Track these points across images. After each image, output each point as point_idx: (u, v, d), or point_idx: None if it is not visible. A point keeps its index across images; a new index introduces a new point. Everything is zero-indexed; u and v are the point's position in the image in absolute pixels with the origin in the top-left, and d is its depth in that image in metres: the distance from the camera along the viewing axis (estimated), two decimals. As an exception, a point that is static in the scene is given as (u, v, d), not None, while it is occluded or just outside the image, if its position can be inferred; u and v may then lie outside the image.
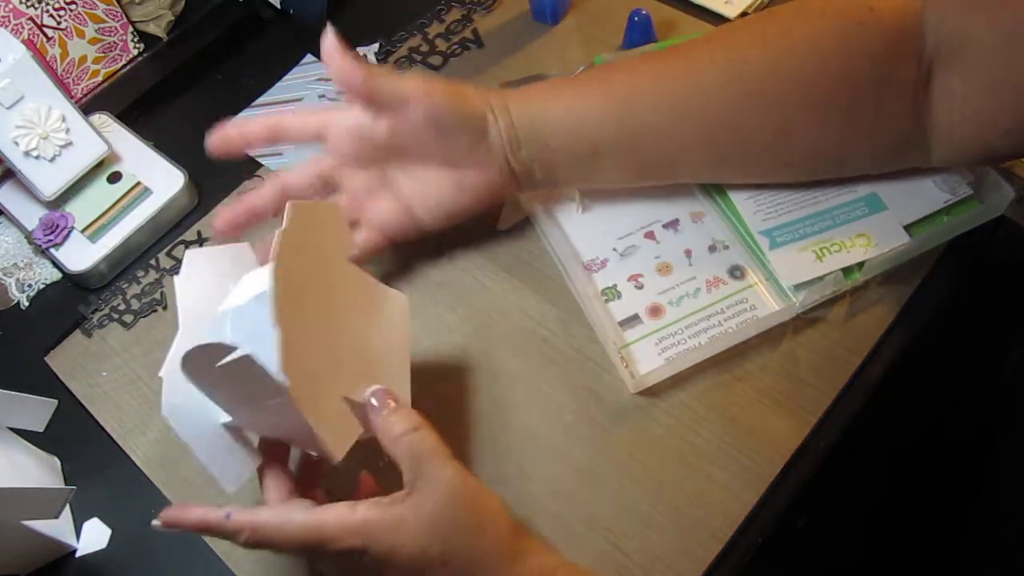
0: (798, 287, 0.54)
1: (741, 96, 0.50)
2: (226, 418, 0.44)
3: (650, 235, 0.59)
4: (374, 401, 0.44)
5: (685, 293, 0.56)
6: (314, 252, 0.44)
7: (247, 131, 0.54)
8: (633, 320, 0.55)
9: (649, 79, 0.51)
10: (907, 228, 0.55)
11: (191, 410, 0.43)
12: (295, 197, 0.52)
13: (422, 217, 0.56)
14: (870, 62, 0.48)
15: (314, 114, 0.54)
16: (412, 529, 0.40)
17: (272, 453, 0.46)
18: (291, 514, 0.41)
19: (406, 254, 0.62)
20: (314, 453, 0.47)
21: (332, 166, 0.55)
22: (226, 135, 0.54)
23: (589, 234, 0.59)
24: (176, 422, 0.43)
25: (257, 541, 0.41)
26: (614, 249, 0.58)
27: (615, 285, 0.57)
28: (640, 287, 0.56)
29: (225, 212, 0.55)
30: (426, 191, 0.55)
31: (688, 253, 0.57)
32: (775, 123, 0.50)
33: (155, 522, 0.42)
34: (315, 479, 0.48)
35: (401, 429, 0.42)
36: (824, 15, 0.49)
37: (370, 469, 0.49)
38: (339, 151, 0.54)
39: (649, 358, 0.54)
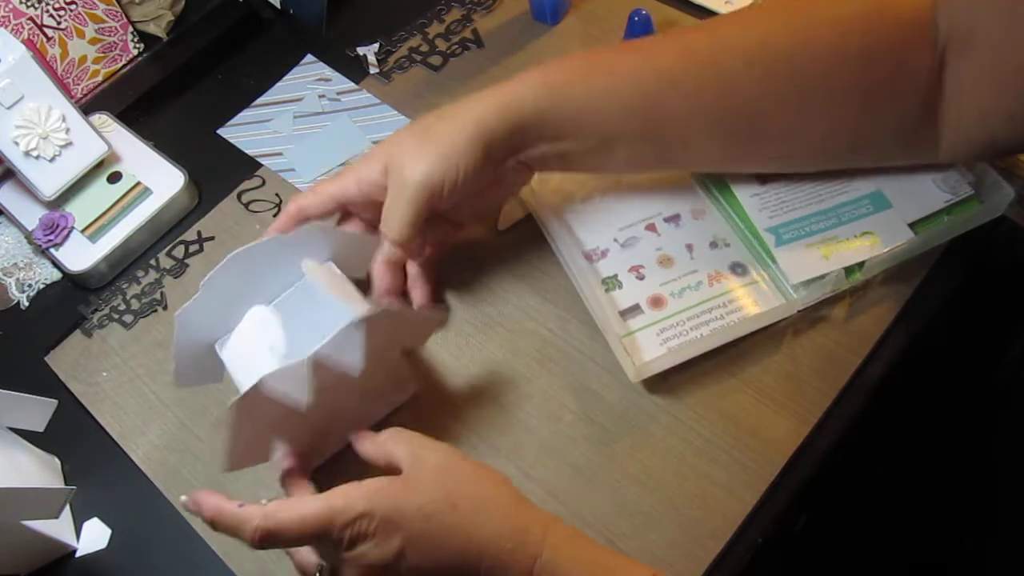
0: (804, 284, 0.54)
1: (761, 80, 0.49)
2: (220, 342, 0.50)
3: (651, 227, 0.59)
4: (353, 438, 0.48)
5: (687, 285, 0.56)
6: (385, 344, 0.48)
7: (277, 226, 0.54)
8: (634, 310, 0.55)
9: (672, 59, 0.50)
10: (910, 226, 0.55)
11: (198, 323, 0.49)
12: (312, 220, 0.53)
13: (443, 238, 0.58)
14: (888, 49, 0.48)
15: (330, 188, 0.54)
16: (415, 484, 0.42)
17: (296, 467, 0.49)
18: (301, 499, 0.42)
19: (406, 254, 0.62)
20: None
21: (349, 198, 0.54)
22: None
23: (590, 223, 0.59)
24: (179, 324, 0.48)
25: (268, 529, 0.41)
26: (615, 239, 0.58)
27: (616, 275, 0.57)
28: (641, 278, 0.56)
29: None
30: (443, 221, 0.57)
31: (689, 247, 0.57)
32: (793, 107, 0.50)
33: (183, 498, 0.44)
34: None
35: (384, 436, 0.46)
36: (845, 0, 0.49)
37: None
38: (362, 212, 0.55)
39: (651, 347, 0.53)
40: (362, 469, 0.46)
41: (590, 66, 0.51)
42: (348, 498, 0.41)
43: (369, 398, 0.52)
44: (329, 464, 0.53)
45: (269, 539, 0.41)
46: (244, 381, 0.48)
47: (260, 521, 0.41)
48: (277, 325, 0.49)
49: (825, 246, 0.55)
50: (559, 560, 0.42)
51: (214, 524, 0.43)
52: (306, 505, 0.41)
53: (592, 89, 0.50)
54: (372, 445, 0.46)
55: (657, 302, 0.55)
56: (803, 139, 0.53)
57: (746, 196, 0.58)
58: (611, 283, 0.56)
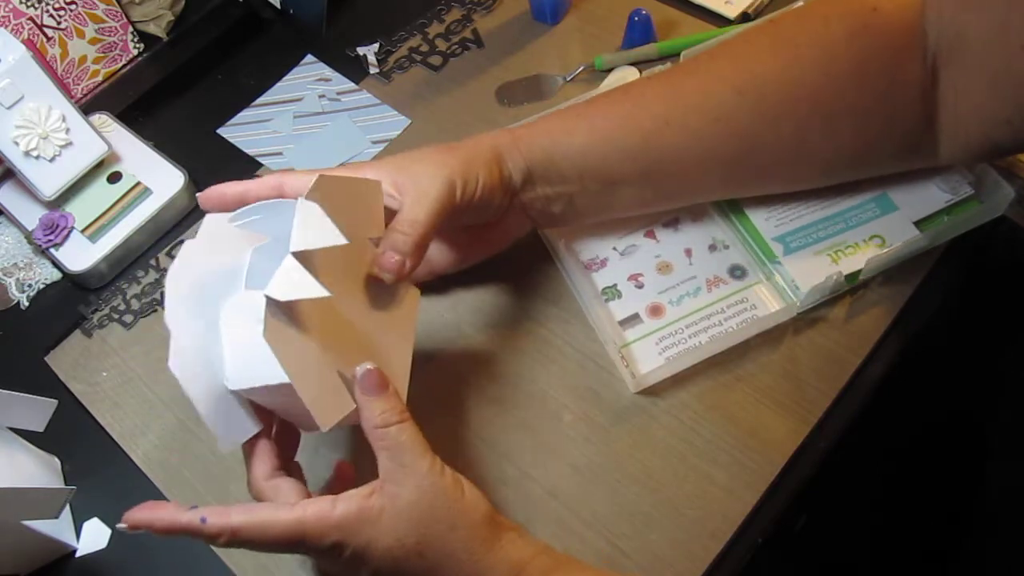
0: (798, 289, 0.54)
1: (754, 108, 0.50)
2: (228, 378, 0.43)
3: (650, 234, 0.59)
4: (362, 381, 0.43)
5: (686, 292, 0.56)
6: (340, 224, 0.43)
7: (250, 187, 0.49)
8: (633, 319, 0.55)
9: (661, 100, 0.51)
10: (916, 225, 0.55)
11: (198, 365, 0.43)
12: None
13: (440, 269, 0.56)
14: (878, 64, 0.48)
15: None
16: (388, 520, 0.41)
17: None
18: (271, 515, 0.41)
19: (406, 254, 0.62)
20: (303, 428, 0.47)
21: None
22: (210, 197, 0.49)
23: (589, 233, 0.59)
24: (182, 376, 0.42)
25: (237, 543, 0.41)
26: (614, 248, 0.58)
27: (615, 284, 0.57)
28: (640, 286, 0.56)
29: (217, 187, 0.49)
30: (445, 249, 0.55)
31: (688, 252, 0.57)
32: (789, 132, 0.50)
33: (120, 525, 0.42)
34: (293, 450, 0.48)
35: (382, 420, 0.42)
36: (828, 21, 0.49)
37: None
38: None
39: (649, 357, 0.54)
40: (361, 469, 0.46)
41: (586, 115, 0.52)
42: (321, 525, 0.41)
43: (380, 309, 0.48)
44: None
45: (235, 546, 0.41)
46: (270, 371, 0.41)
47: (228, 539, 0.41)
48: (259, 297, 0.43)
49: (834, 252, 0.55)
50: None
51: (171, 535, 0.42)
52: (276, 524, 0.40)
53: (591, 136, 0.51)
54: (368, 415, 0.43)
55: (656, 311, 0.55)
56: (803, 162, 0.53)
57: (751, 203, 0.58)
58: (610, 293, 0.57)
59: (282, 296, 0.40)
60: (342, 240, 0.42)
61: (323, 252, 0.42)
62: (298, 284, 0.40)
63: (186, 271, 0.44)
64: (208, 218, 0.46)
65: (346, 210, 0.44)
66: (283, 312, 0.40)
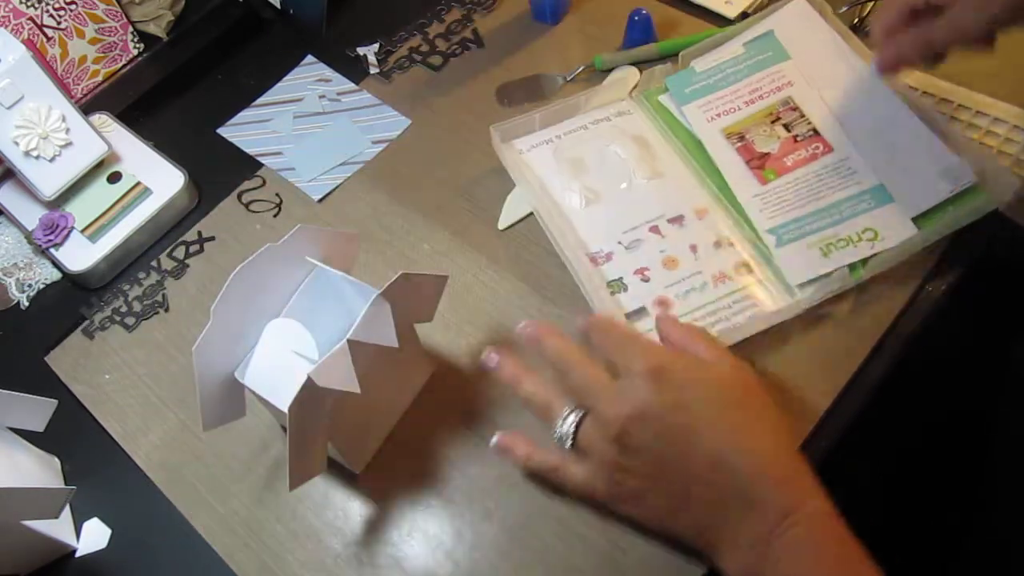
0: (803, 285, 0.54)
1: None
2: (241, 372, 0.48)
3: (654, 229, 0.59)
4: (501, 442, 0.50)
5: (692, 287, 0.56)
6: (403, 310, 0.47)
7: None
8: (640, 312, 0.55)
9: None
10: (914, 220, 0.55)
11: (218, 354, 0.47)
12: None
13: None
14: None
15: None
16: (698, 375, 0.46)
17: None
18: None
19: (407, 255, 0.62)
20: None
21: None
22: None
23: (594, 226, 0.59)
24: (198, 360, 0.46)
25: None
26: (619, 242, 0.58)
27: (621, 278, 0.57)
28: (646, 280, 0.56)
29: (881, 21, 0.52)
30: None
31: (693, 248, 0.57)
32: None
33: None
34: None
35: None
36: None
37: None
38: None
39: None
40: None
41: None
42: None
43: (397, 383, 0.52)
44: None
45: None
46: (281, 396, 0.46)
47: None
48: (300, 330, 0.48)
49: (825, 245, 0.55)
50: (808, 539, 0.43)
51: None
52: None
53: None
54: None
55: (662, 305, 0.55)
56: None
57: (747, 197, 0.58)
58: (616, 286, 0.56)
59: (321, 383, 0.43)
60: (394, 343, 0.46)
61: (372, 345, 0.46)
62: (338, 375, 0.44)
63: (255, 268, 0.47)
64: (299, 229, 0.48)
65: (411, 300, 0.48)
66: (313, 388, 0.43)
